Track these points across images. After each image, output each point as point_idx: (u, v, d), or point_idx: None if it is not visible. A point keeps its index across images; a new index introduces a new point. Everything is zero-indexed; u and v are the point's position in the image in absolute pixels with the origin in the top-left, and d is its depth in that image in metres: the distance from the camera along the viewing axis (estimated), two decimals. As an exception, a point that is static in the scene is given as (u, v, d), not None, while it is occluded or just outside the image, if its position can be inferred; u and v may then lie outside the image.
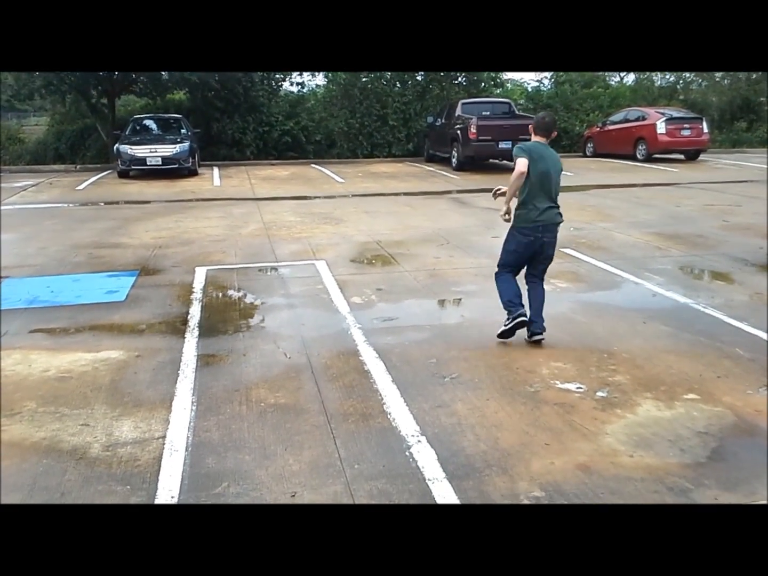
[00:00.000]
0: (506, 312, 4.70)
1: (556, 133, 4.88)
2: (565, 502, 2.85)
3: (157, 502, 2.89)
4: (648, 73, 27.53)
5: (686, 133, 18.02)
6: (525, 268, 4.83)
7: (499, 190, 4.90)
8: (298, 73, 21.61)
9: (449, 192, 13.18)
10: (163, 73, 19.43)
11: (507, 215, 4.75)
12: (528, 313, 4.69)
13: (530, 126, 4.73)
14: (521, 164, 4.45)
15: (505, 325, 4.68)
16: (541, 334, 4.67)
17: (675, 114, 18.90)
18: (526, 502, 2.86)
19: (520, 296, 4.71)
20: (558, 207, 4.67)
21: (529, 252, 4.69)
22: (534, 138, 4.66)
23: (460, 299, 5.89)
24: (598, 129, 20.38)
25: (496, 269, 4.87)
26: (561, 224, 4.72)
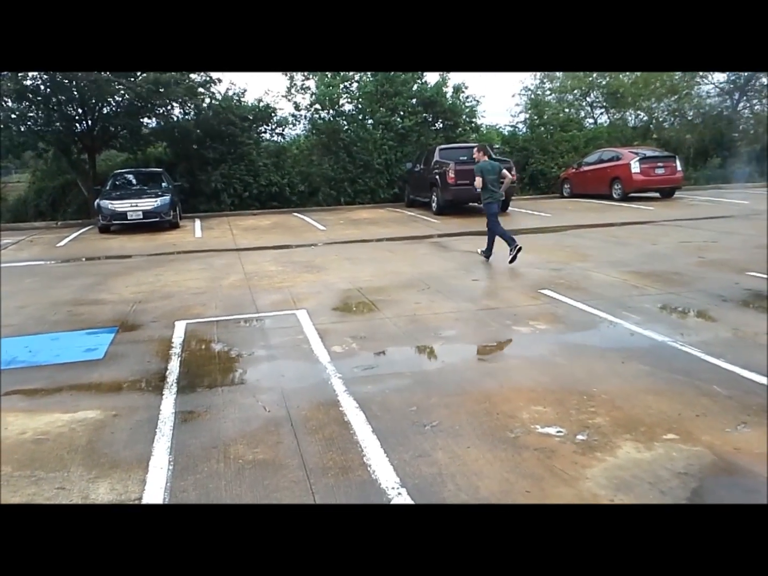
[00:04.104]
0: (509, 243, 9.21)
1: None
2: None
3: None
4: (621, 114, 28.16)
5: (660, 171, 18.41)
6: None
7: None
8: (277, 124, 21.90)
9: (430, 236, 13.30)
10: (144, 126, 19.66)
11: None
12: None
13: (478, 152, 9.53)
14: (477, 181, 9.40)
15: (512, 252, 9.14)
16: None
17: (648, 153, 19.32)
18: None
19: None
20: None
21: None
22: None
23: (440, 345, 5.90)
24: (574, 170, 20.79)
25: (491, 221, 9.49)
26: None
